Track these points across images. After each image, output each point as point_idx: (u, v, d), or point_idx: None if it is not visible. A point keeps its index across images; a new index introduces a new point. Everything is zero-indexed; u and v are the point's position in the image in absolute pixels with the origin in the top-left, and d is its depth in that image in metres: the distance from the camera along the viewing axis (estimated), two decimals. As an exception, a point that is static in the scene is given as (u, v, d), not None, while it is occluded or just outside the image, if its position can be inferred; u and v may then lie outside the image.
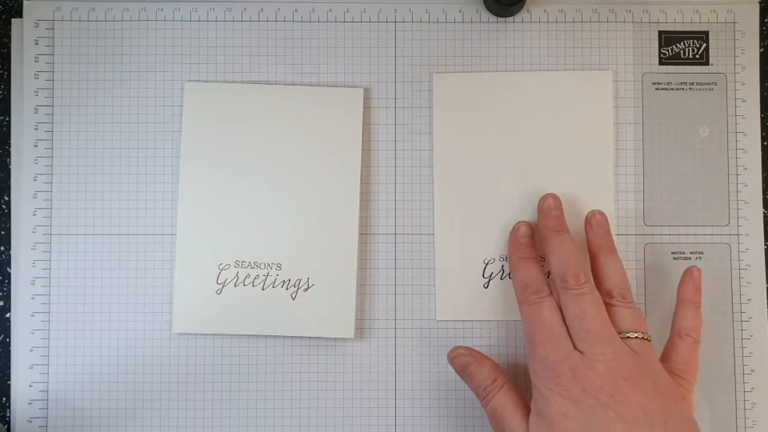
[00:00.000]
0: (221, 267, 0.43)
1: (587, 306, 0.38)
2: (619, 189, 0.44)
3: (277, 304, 0.43)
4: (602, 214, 0.42)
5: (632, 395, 0.35)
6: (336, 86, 0.44)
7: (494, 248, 0.43)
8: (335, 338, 0.43)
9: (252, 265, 0.43)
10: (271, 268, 0.43)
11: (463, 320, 0.43)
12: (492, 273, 0.43)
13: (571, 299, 0.38)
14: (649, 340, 0.38)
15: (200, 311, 0.43)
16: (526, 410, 0.38)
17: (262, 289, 0.43)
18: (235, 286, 0.43)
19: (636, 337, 0.38)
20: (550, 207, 0.42)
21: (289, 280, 0.43)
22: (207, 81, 0.44)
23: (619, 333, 0.38)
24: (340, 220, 0.43)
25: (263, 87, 0.44)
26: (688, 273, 0.42)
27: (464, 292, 0.43)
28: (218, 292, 0.43)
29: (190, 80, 0.44)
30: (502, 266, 0.43)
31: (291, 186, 0.43)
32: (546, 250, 0.41)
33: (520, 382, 0.43)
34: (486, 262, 0.43)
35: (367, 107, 0.44)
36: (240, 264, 0.43)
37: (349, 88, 0.44)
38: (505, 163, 0.43)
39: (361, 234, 0.44)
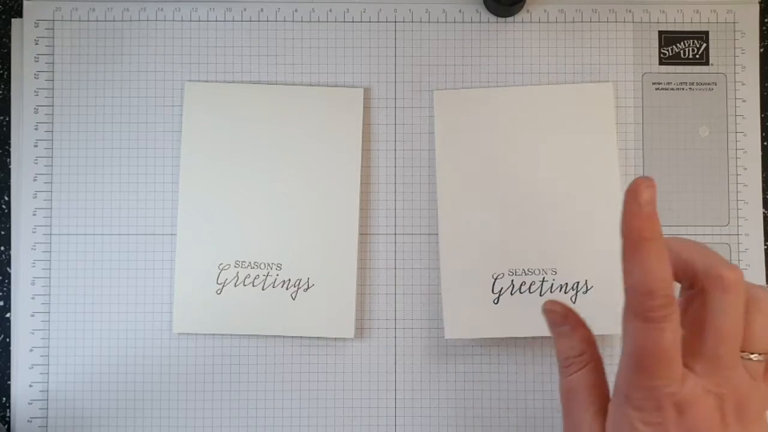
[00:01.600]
0: (221, 267, 0.43)
1: (732, 323, 0.30)
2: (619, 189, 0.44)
3: (277, 304, 0.43)
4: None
5: None
6: (336, 86, 0.44)
7: (502, 262, 0.43)
8: (335, 338, 0.43)
9: (252, 265, 0.43)
10: (271, 268, 0.43)
11: (474, 338, 0.43)
12: (502, 288, 0.43)
13: (728, 309, 0.29)
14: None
15: (200, 311, 0.43)
16: (600, 406, 0.32)
17: (262, 289, 0.43)
18: (235, 286, 0.43)
19: (758, 360, 0.31)
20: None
21: (289, 280, 0.43)
22: (207, 81, 0.44)
23: (741, 351, 0.30)
24: (340, 220, 0.43)
25: (263, 87, 0.44)
26: None
27: (474, 309, 0.43)
28: (218, 292, 0.43)
29: (190, 80, 0.44)
30: (512, 281, 0.43)
31: (291, 186, 0.43)
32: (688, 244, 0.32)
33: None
34: (495, 276, 0.43)
35: (367, 107, 0.44)
36: (240, 264, 0.43)
37: (349, 88, 0.44)
38: (508, 179, 0.43)
39: (361, 234, 0.44)
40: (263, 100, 0.44)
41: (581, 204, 0.43)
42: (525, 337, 0.43)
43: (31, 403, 0.43)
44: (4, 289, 0.44)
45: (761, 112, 0.44)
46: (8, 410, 0.43)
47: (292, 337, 0.43)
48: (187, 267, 0.43)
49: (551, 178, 0.43)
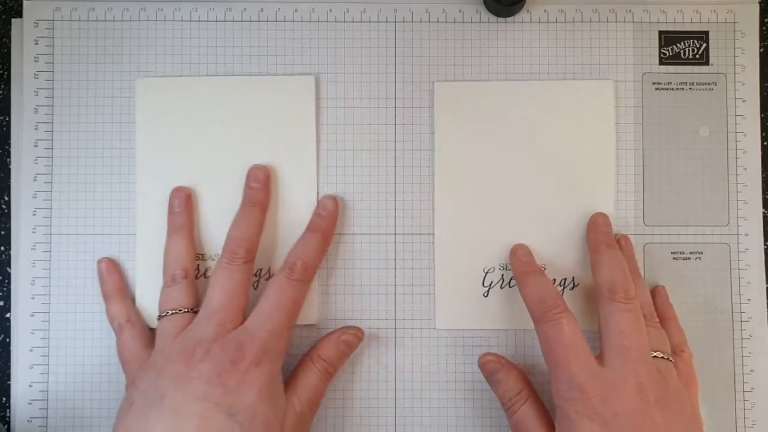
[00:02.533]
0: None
1: (633, 323, 0.37)
2: (619, 189, 0.44)
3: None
4: (627, 238, 0.43)
5: (660, 418, 0.35)
6: (285, 75, 0.44)
7: (494, 257, 0.43)
8: (335, 338, 0.43)
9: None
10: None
11: (463, 329, 0.43)
12: (492, 282, 0.43)
13: (619, 313, 0.37)
14: (672, 361, 0.38)
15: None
16: (550, 427, 0.38)
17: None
18: None
19: (662, 357, 0.38)
20: (601, 223, 0.42)
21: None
22: (162, 76, 0.44)
23: (652, 350, 0.38)
24: (296, 215, 0.43)
25: (215, 79, 0.43)
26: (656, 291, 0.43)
27: (464, 300, 0.43)
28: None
29: (143, 76, 0.43)
30: (502, 275, 0.43)
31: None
32: (595, 260, 0.40)
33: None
34: (486, 270, 0.43)
35: (367, 107, 0.44)
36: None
37: (299, 76, 0.44)
38: (506, 172, 0.43)
39: (361, 234, 0.44)
40: (214, 92, 0.43)
41: (574, 201, 0.43)
42: (524, 340, 0.43)
43: (31, 403, 0.43)
44: (4, 289, 0.44)
45: (761, 112, 0.44)
46: (8, 410, 0.43)
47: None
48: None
49: (548, 173, 0.43)
